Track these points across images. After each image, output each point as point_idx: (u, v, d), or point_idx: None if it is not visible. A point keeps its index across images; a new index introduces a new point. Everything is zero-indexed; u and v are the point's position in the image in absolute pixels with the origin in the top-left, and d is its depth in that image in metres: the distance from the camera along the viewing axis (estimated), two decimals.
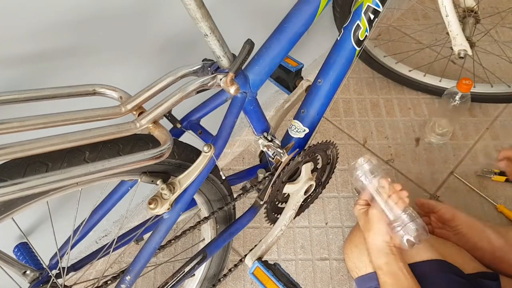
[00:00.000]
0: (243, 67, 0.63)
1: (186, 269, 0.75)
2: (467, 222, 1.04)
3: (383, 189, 0.78)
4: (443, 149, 1.30)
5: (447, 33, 1.04)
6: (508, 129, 1.33)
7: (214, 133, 0.66)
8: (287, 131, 0.81)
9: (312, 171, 0.87)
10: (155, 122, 0.53)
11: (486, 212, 1.18)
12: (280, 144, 0.75)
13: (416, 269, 0.78)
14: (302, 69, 0.94)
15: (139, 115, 0.52)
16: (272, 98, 1.37)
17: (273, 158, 0.78)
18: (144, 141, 0.56)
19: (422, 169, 1.27)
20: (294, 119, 0.80)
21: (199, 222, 0.77)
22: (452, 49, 1.06)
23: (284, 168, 0.77)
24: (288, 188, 0.84)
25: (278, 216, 0.89)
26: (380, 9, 0.72)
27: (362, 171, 0.80)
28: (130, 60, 0.79)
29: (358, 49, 0.75)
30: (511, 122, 1.35)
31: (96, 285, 0.66)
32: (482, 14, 1.10)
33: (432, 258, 0.80)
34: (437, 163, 1.28)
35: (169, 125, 0.65)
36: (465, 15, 1.08)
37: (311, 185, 0.86)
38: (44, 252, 0.71)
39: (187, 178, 0.59)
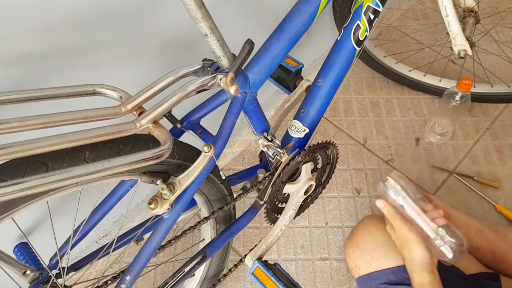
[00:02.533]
0: (243, 67, 0.63)
1: (186, 269, 0.75)
2: (465, 222, 1.04)
3: (420, 206, 0.76)
4: (443, 149, 1.30)
5: (447, 33, 1.04)
6: (508, 129, 1.33)
7: (214, 133, 0.66)
8: (287, 131, 0.81)
9: (312, 171, 0.87)
10: (155, 122, 0.53)
11: (486, 212, 1.18)
12: (280, 144, 0.75)
13: None
14: (302, 69, 0.94)
15: (139, 115, 0.52)
16: (272, 98, 1.37)
17: (273, 158, 0.78)
18: (144, 141, 0.56)
19: (422, 169, 1.27)
20: (294, 119, 0.80)
21: (199, 222, 0.77)
22: (452, 49, 1.06)
23: (284, 168, 0.77)
24: (288, 188, 0.84)
25: (278, 216, 0.89)
26: (380, 9, 0.72)
27: (394, 191, 0.78)
28: (130, 60, 0.79)
29: (358, 49, 0.75)
30: (511, 122, 1.35)
31: (96, 285, 0.66)
32: (482, 14, 1.10)
33: None
34: (437, 163, 1.28)
35: (169, 125, 0.65)
36: (465, 15, 1.08)
37: (311, 185, 0.86)
38: (44, 252, 0.71)
39: (187, 178, 0.59)
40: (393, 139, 1.34)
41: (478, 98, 1.32)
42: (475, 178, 1.23)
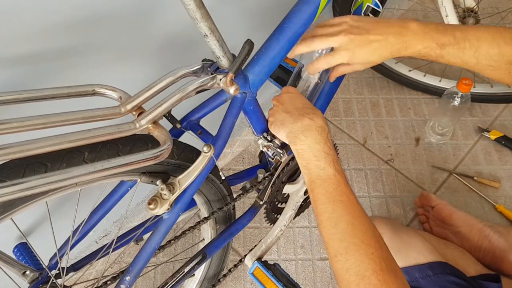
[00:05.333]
0: (242, 67, 0.63)
1: (186, 269, 0.75)
2: (466, 221, 1.05)
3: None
4: (443, 149, 1.30)
5: None
6: (508, 129, 1.33)
7: (214, 133, 0.66)
8: None
9: None
10: (154, 122, 0.53)
11: (486, 212, 1.18)
12: (280, 144, 0.74)
13: (418, 271, 0.78)
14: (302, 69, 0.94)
15: (138, 115, 0.52)
16: (272, 98, 1.37)
17: (272, 158, 0.78)
18: (143, 142, 0.56)
19: (422, 169, 1.27)
20: None
21: (198, 222, 0.77)
22: None
23: (283, 168, 0.77)
24: (288, 188, 0.83)
25: (278, 216, 0.89)
26: (380, 9, 0.72)
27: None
28: (129, 60, 0.79)
29: None
30: (511, 122, 1.35)
31: (95, 285, 0.66)
32: (482, 14, 1.10)
33: (435, 260, 0.80)
34: (437, 163, 1.27)
35: (168, 125, 0.64)
36: (465, 15, 1.08)
37: None
38: (44, 252, 0.71)
39: (186, 178, 0.59)
40: (393, 139, 1.34)
41: (478, 98, 1.32)
42: (475, 178, 1.22)
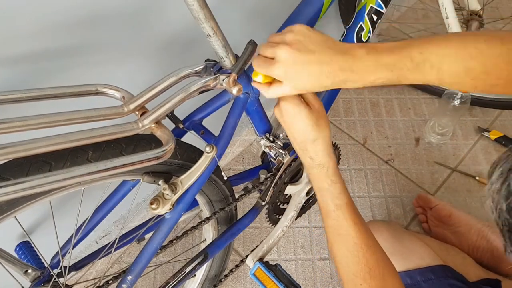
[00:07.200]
0: (245, 68, 0.63)
1: (187, 270, 0.75)
2: (465, 221, 1.05)
3: None
4: (443, 149, 1.31)
5: None
6: (508, 129, 1.33)
7: (216, 133, 0.66)
8: None
9: None
10: (157, 122, 0.53)
11: (486, 212, 1.18)
12: (282, 145, 0.74)
13: (420, 274, 0.78)
14: None
15: (141, 115, 0.52)
16: (274, 99, 1.36)
17: (275, 159, 0.78)
18: (146, 141, 0.56)
19: (422, 169, 1.27)
20: None
21: (200, 223, 0.77)
22: None
23: (286, 169, 0.77)
24: (289, 189, 0.84)
25: (280, 217, 0.89)
26: (383, 10, 0.72)
27: None
28: (132, 60, 0.79)
29: None
30: (511, 122, 1.35)
31: (97, 285, 0.66)
32: (487, 19, 1.09)
33: (436, 264, 0.80)
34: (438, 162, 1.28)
35: (171, 125, 0.64)
36: (469, 19, 1.08)
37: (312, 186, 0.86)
38: (46, 251, 0.71)
39: (189, 179, 0.59)
40: (393, 139, 1.34)
41: (478, 102, 1.31)
42: (477, 178, 1.23)
